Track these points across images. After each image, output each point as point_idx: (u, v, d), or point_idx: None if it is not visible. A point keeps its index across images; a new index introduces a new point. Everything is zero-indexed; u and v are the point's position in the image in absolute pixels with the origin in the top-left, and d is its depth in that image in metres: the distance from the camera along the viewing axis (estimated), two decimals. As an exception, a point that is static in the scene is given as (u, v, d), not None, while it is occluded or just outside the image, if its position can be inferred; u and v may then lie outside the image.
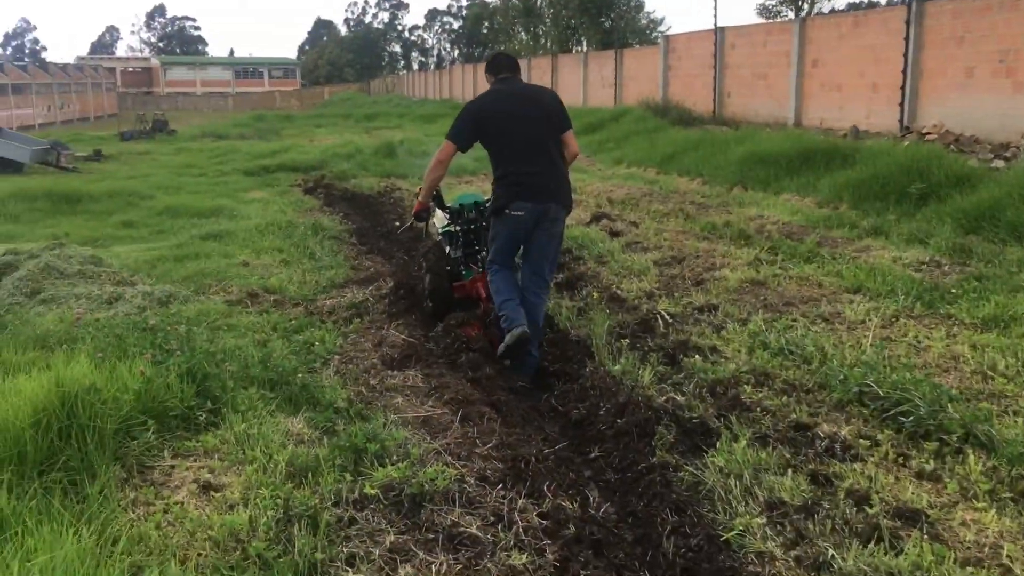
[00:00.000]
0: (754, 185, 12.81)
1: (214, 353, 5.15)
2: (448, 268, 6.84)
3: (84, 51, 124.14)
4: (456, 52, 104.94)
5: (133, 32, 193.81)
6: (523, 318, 5.65)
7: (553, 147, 5.83)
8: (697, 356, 5.68)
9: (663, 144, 17.43)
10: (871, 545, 3.42)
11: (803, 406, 4.88)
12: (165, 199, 13.98)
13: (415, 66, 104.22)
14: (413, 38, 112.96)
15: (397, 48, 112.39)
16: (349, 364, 5.86)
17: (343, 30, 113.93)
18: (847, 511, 3.69)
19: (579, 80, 34.75)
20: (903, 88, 17.11)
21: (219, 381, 4.77)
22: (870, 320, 6.36)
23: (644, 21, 42.91)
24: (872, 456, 4.23)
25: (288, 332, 6.59)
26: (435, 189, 6.29)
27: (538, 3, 46.11)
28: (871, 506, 3.70)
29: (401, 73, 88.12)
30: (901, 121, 17.17)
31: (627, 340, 6.13)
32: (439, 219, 7.21)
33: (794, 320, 6.46)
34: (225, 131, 32.97)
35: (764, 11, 36.67)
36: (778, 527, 3.63)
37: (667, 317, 6.56)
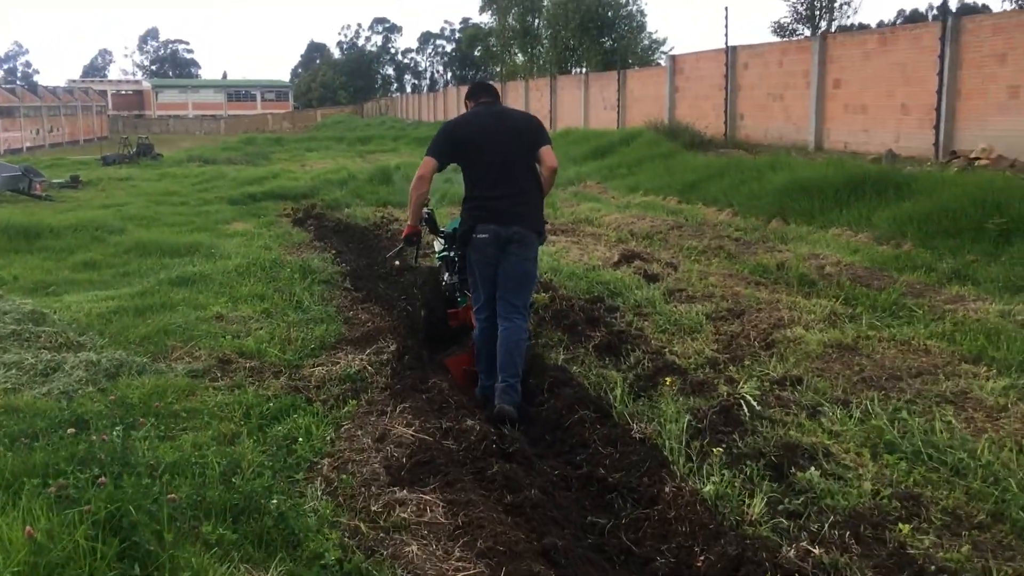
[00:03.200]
0: (796, 217, 11.35)
1: (154, 479, 3.63)
2: (445, 295, 6.67)
3: (76, 74, 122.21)
4: (449, 75, 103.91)
5: (126, 55, 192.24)
6: (497, 396, 5.31)
7: (523, 171, 5.56)
8: (812, 468, 4.18)
9: (681, 170, 15.97)
10: None
11: (990, 559, 3.40)
12: (137, 234, 12.37)
13: (408, 88, 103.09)
14: (406, 61, 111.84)
15: (390, 71, 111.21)
16: (343, 472, 4.36)
17: (336, 53, 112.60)
18: None
19: (579, 102, 33.43)
20: (938, 109, 15.76)
21: (154, 526, 3.25)
22: (1014, 404, 4.89)
23: (646, 42, 41.56)
24: None
25: (264, 420, 5.11)
26: (422, 207, 5.98)
27: (535, 24, 44.85)
28: None
29: (394, 96, 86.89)
30: (936, 145, 15.80)
31: (708, 438, 4.64)
32: (437, 245, 6.97)
33: (910, 402, 4.98)
34: (213, 155, 31.40)
35: (779, 29, 35.23)
36: None
37: (754, 404, 5.07)
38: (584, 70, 34.94)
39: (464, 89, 54.31)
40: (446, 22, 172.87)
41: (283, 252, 11.18)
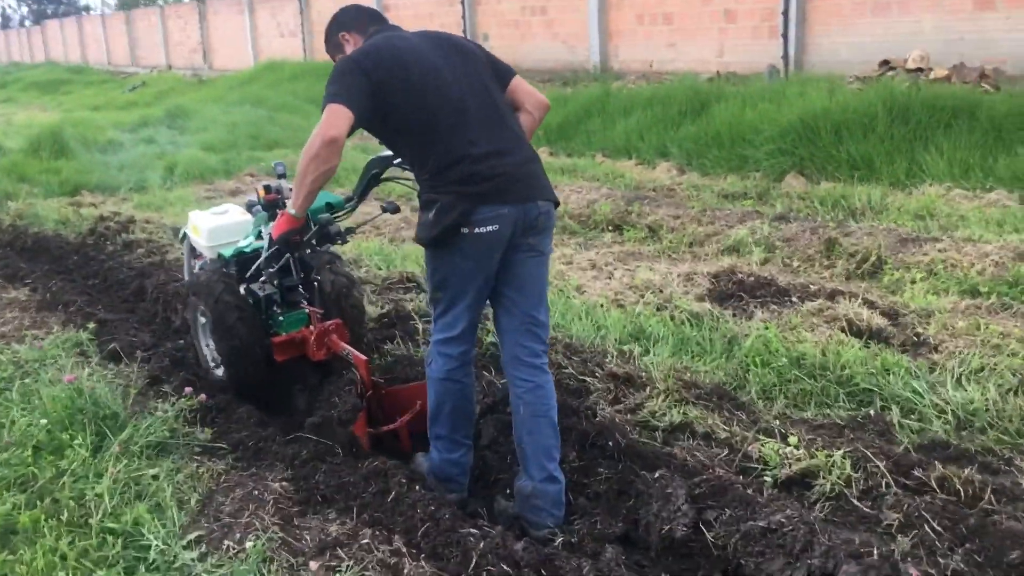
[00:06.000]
0: (831, 171, 7.33)
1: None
2: (258, 315, 4.20)
3: None
4: (25, 9, 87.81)
5: None
6: (466, 479, 3.40)
7: (510, 111, 3.27)
8: None
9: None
10: None
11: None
12: None
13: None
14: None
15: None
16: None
17: None
18: None
19: (244, 30, 27.05)
20: (785, 14, 12.69)
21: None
22: None
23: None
24: None
25: None
26: (318, 191, 3.24)
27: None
28: None
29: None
30: (786, 58, 12.76)
31: None
32: (203, 232, 4.60)
33: None
34: None
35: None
36: None
37: None
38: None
39: (71, 23, 44.78)
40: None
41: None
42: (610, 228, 6.84)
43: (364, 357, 3.84)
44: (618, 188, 7.97)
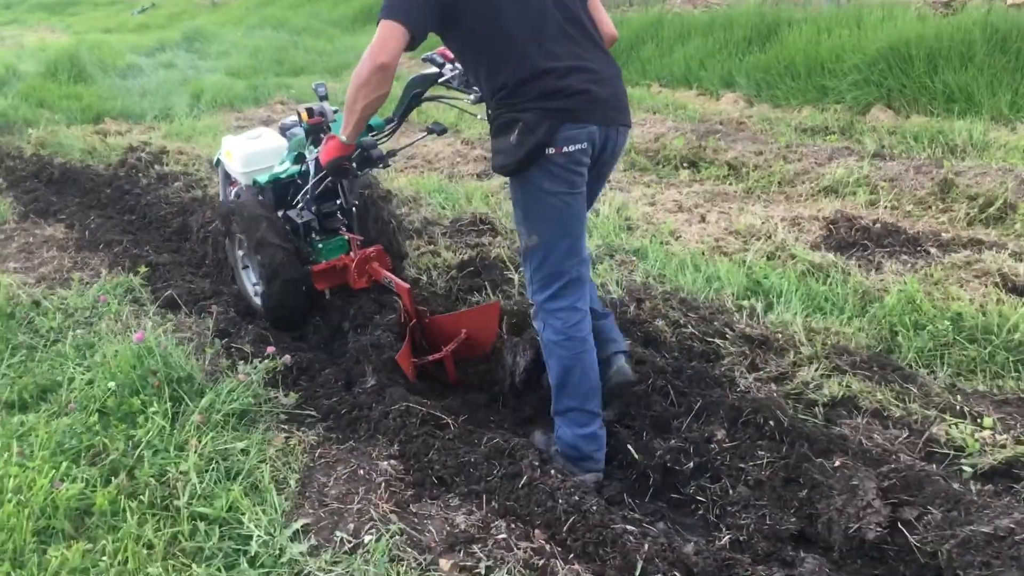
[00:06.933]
0: (922, 102, 6.72)
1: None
2: (295, 245, 4.00)
3: None
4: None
5: None
6: (603, 455, 2.94)
7: (594, 25, 2.90)
8: None
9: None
10: None
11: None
12: None
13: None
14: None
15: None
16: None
17: None
18: None
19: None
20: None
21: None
22: None
23: None
24: None
25: None
26: (369, 119, 2.97)
27: None
28: None
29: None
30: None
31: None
32: (238, 158, 4.31)
33: None
34: None
35: None
36: None
37: None
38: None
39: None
40: None
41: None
42: (684, 165, 6.31)
43: (407, 285, 3.65)
44: (683, 121, 7.40)
